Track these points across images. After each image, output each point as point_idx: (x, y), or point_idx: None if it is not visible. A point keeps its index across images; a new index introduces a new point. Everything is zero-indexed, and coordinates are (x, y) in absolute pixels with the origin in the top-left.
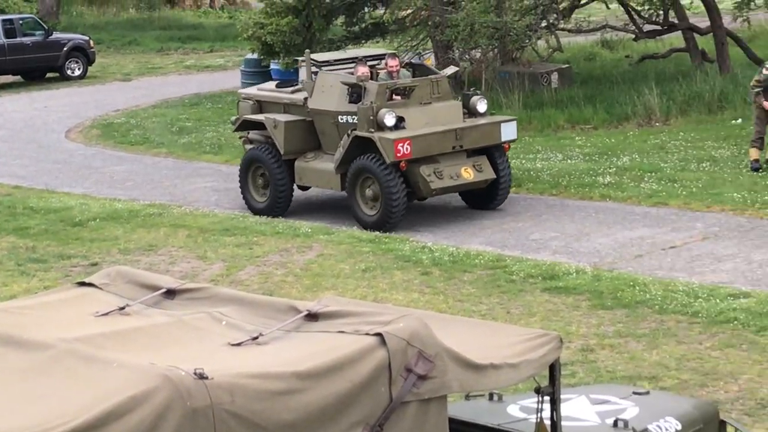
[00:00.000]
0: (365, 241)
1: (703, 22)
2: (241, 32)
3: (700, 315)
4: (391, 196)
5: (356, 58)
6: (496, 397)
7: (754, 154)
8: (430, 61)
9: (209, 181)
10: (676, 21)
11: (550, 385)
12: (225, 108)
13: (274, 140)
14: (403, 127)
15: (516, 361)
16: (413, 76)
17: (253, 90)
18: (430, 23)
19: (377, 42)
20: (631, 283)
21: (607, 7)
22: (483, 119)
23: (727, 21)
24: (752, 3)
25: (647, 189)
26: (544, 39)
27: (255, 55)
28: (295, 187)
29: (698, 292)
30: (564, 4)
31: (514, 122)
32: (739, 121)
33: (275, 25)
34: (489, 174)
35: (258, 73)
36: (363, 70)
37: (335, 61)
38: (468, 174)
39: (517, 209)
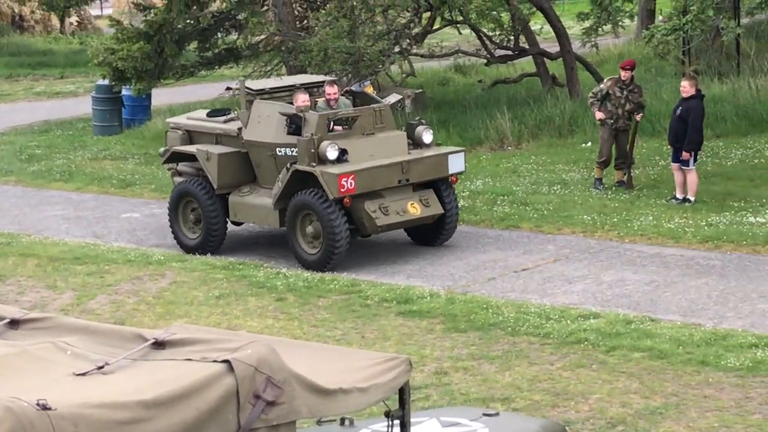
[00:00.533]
0: (219, 268)
1: (554, 47)
2: (91, 58)
3: (551, 336)
4: (333, 234)
5: (294, 86)
6: (347, 422)
7: (598, 173)
8: (371, 88)
9: (59, 209)
10: (527, 46)
11: (400, 408)
12: (76, 134)
13: (206, 173)
14: (346, 161)
15: (365, 385)
16: (353, 105)
17: (182, 119)
18: (283, 48)
19: (230, 67)
20: (485, 306)
21: (459, 33)
22: (429, 150)
23: (576, 46)
24: (600, 29)
25: (500, 212)
26: (398, 64)
27: (106, 81)
28: (229, 222)
29: (550, 314)
30: (416, 30)
31: (462, 154)
32: (589, 144)
33: (126, 51)
34: (437, 209)
35: (109, 99)
36: (303, 98)
37: (271, 89)
38: (415, 209)
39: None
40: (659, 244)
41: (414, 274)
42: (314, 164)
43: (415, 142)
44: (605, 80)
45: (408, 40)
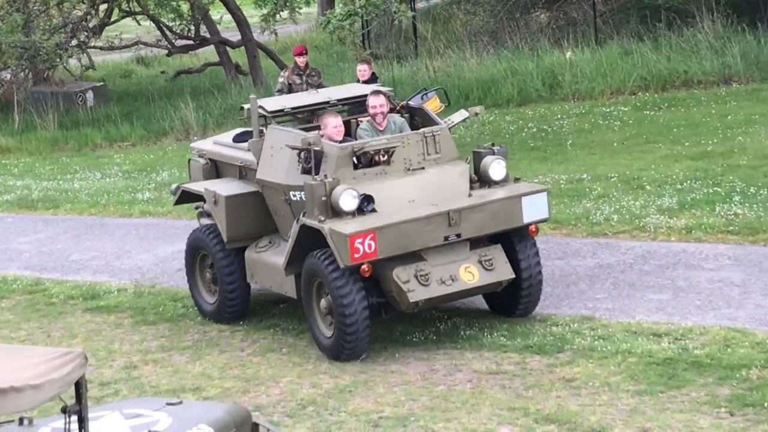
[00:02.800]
0: None
1: (235, 36)
2: None
3: (241, 323)
4: (344, 313)
5: (327, 103)
6: (26, 421)
7: None
8: (436, 102)
9: None
10: (208, 35)
11: (77, 403)
12: None
13: (216, 221)
14: (373, 210)
15: (39, 382)
16: (411, 125)
17: (207, 144)
18: None
19: None
20: (174, 298)
21: (139, 24)
22: (497, 191)
23: (257, 34)
24: (278, 15)
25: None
26: (76, 57)
27: None
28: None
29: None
30: (94, 22)
31: (544, 194)
32: None
33: None
34: (503, 273)
35: None
36: (335, 123)
37: (293, 109)
38: (471, 276)
39: (56, 231)
40: None
41: (101, 270)
42: (323, 218)
43: (482, 178)
44: (282, 71)
45: (86, 33)
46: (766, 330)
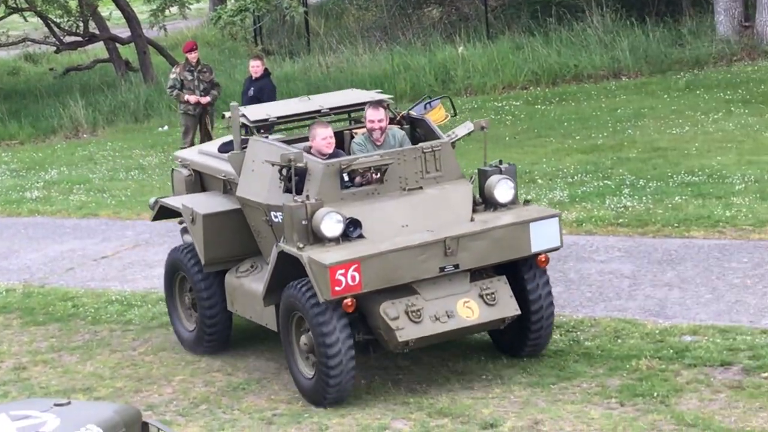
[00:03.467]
0: None
1: (125, 32)
2: None
3: (133, 322)
4: (326, 352)
5: (318, 111)
6: None
7: None
8: (440, 111)
9: None
10: (97, 32)
11: None
12: None
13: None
14: (361, 236)
15: None
16: (413, 139)
17: (192, 153)
18: None
19: None
20: (63, 297)
21: (26, 20)
22: (502, 216)
23: (146, 30)
24: (167, 11)
25: (77, 201)
26: None
27: None
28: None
29: (131, 300)
30: None
31: (555, 220)
32: (166, 128)
33: None
34: (508, 308)
35: None
36: (324, 134)
37: (279, 119)
38: (470, 311)
39: None
40: None
41: None
42: (303, 244)
43: (487, 200)
44: (174, 67)
45: None
46: (655, 321)
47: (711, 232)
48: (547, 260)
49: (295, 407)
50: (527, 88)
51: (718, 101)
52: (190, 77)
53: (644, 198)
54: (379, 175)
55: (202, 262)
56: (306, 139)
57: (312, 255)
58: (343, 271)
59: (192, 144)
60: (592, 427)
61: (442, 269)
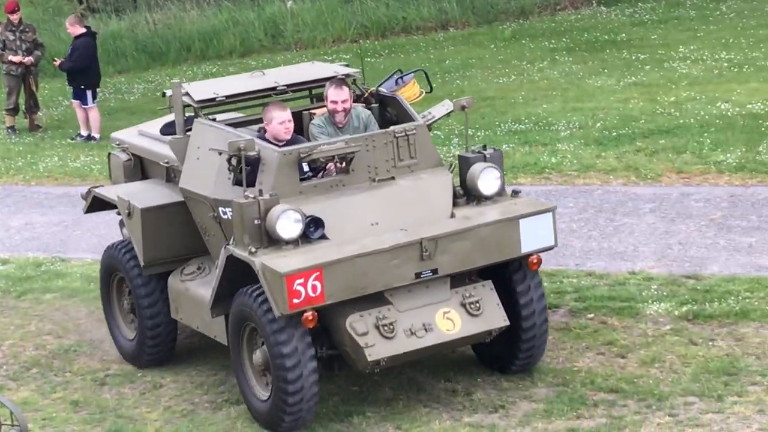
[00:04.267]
0: None
1: None
2: None
3: None
4: (284, 374)
5: (273, 89)
6: None
7: (9, 121)
8: (414, 87)
9: None
10: None
11: None
12: None
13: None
14: (323, 238)
15: None
16: (382, 121)
17: (131, 134)
18: None
19: None
20: None
21: None
22: (488, 211)
23: None
24: None
25: None
26: None
27: None
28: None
29: None
30: None
31: (549, 215)
32: None
33: None
34: (494, 319)
35: None
36: (281, 117)
37: (229, 98)
38: (450, 323)
39: None
40: (66, 184)
41: None
42: (256, 247)
43: (469, 191)
44: None
45: None
46: None
47: (537, 178)
48: (539, 262)
49: (128, 367)
50: (357, 41)
51: (543, 50)
52: (12, 37)
53: (473, 147)
54: (344, 164)
55: (141, 263)
56: (260, 121)
57: (266, 261)
58: (302, 280)
59: (16, 105)
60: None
61: (418, 275)
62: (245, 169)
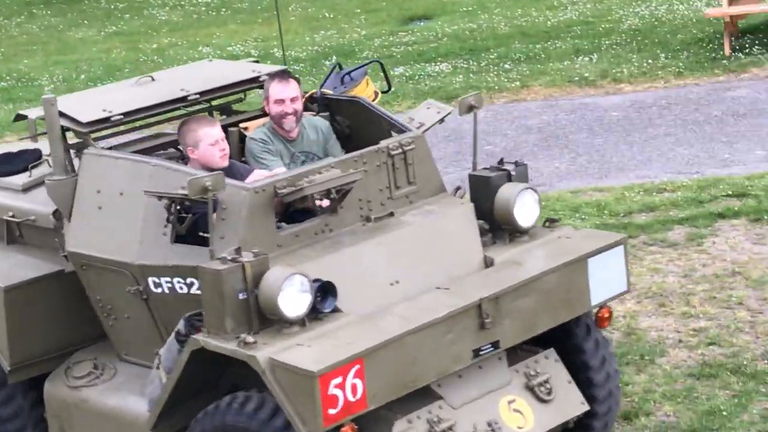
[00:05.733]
0: None
1: None
2: None
3: None
4: None
5: (183, 99)
6: None
7: None
8: (368, 85)
9: None
10: None
11: None
12: None
13: None
14: (336, 310)
15: None
16: (342, 135)
17: None
18: None
19: None
20: None
21: None
22: (535, 250)
23: None
24: None
25: None
26: None
27: None
28: None
29: None
30: None
31: (620, 249)
32: None
33: None
34: (572, 404)
35: None
36: (212, 137)
37: (126, 116)
38: (519, 417)
39: None
40: None
41: None
42: (247, 333)
43: (494, 224)
44: None
45: None
46: None
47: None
48: (610, 316)
49: None
50: None
51: (20, 4)
52: None
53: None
54: (334, 199)
55: (6, 367)
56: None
57: (276, 355)
58: (339, 380)
59: None
60: None
61: (476, 352)
62: (189, 218)
